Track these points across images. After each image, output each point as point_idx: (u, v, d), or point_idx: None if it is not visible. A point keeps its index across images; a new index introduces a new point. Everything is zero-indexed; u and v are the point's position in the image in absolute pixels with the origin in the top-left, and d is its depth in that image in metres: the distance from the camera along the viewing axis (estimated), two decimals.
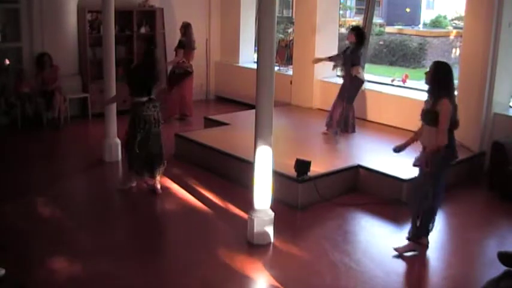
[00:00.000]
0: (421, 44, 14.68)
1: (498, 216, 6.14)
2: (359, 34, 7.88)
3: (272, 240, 5.19)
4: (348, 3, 16.12)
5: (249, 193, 5.25)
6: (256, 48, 5.60)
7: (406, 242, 5.06)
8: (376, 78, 9.82)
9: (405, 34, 15.41)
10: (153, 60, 6.24)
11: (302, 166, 6.03)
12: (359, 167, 6.60)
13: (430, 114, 4.78)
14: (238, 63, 11.20)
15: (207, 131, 8.36)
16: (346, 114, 7.91)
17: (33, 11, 8.99)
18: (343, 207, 6.12)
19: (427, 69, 4.96)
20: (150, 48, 6.48)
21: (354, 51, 7.81)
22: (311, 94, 9.58)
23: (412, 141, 5.16)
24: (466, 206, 6.10)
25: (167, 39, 10.39)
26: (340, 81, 8.30)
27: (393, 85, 9.17)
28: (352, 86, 7.88)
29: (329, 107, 8.16)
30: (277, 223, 5.22)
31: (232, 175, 6.73)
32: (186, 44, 9.39)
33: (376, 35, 14.86)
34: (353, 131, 8.05)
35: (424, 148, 4.92)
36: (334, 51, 9.43)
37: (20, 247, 4.97)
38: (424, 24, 16.61)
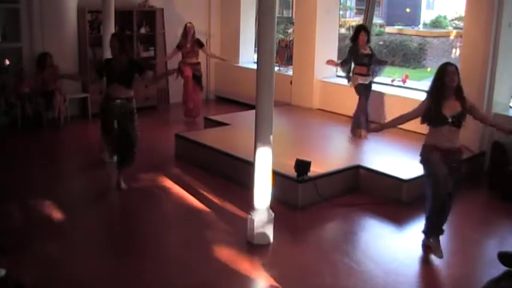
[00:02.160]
0: (421, 44, 14.69)
1: (498, 216, 6.14)
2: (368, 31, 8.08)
3: (272, 240, 5.18)
4: (348, 4, 16.13)
5: (249, 193, 5.25)
6: (256, 48, 5.61)
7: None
8: (376, 79, 9.81)
9: (405, 34, 15.42)
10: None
11: (302, 166, 6.03)
12: (359, 167, 6.60)
13: (464, 116, 4.84)
14: (238, 63, 11.20)
15: (207, 131, 8.36)
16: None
17: (33, 11, 8.99)
18: (343, 207, 6.12)
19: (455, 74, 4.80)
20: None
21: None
22: (311, 94, 9.58)
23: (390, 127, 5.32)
24: (466, 206, 6.10)
25: (167, 39, 10.40)
26: (340, 81, 8.33)
27: (393, 85, 9.17)
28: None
29: (328, 108, 8.15)
30: (277, 223, 5.22)
31: (233, 175, 6.73)
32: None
33: (376, 35, 14.86)
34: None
35: (453, 149, 4.88)
36: (334, 52, 9.46)
37: (20, 247, 4.96)
38: (424, 25, 16.62)
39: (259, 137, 4.98)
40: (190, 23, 9.41)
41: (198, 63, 9.55)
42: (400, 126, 8.09)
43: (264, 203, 5.11)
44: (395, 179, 6.23)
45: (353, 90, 8.18)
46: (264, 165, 5.02)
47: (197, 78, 9.49)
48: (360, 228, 5.83)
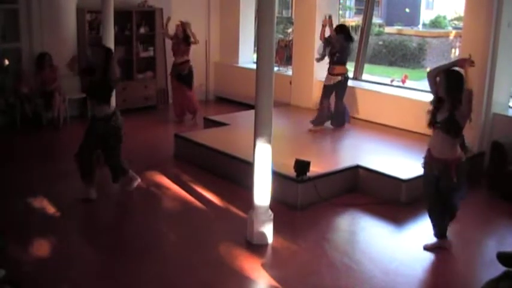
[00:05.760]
0: (420, 44, 14.69)
1: (497, 216, 6.14)
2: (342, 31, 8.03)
3: (271, 240, 5.19)
4: (348, 4, 16.13)
5: (248, 193, 5.25)
6: (256, 48, 5.60)
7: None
8: (375, 79, 9.83)
9: (404, 34, 15.42)
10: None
11: (301, 166, 6.03)
12: (358, 167, 6.60)
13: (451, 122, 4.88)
14: (237, 63, 11.20)
15: (207, 132, 8.36)
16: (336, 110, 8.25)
17: (32, 12, 8.99)
18: (343, 207, 6.12)
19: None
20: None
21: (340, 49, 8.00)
22: (310, 94, 9.58)
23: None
24: (465, 206, 6.07)
25: (167, 39, 10.38)
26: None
27: (392, 85, 9.17)
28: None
29: None
30: (276, 223, 5.22)
31: (232, 175, 6.73)
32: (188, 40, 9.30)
33: (376, 35, 14.86)
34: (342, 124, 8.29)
35: None
36: None
37: (19, 248, 4.96)
38: (424, 25, 16.61)
39: (259, 137, 4.98)
40: (180, 21, 9.29)
41: (183, 63, 9.31)
42: (399, 126, 8.17)
43: (263, 203, 5.11)
44: (394, 179, 6.23)
45: (351, 90, 8.22)
46: (264, 165, 5.02)
47: (182, 79, 9.33)
48: (359, 228, 5.83)
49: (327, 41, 8.16)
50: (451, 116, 4.77)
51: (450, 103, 4.80)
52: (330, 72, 8.18)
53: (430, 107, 4.96)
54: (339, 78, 8.12)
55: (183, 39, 9.27)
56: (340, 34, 8.02)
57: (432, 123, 4.91)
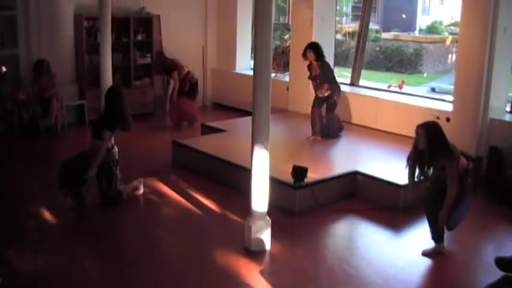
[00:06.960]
0: (417, 49, 14.74)
1: (495, 221, 6.14)
2: (316, 49, 7.92)
3: (269, 246, 5.17)
4: (344, 10, 16.18)
5: (246, 199, 5.25)
6: (253, 54, 5.62)
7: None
8: (372, 84, 9.86)
9: (401, 40, 15.48)
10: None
11: (299, 172, 6.03)
12: (356, 173, 6.60)
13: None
14: (235, 69, 11.22)
15: (204, 138, 8.36)
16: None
17: (30, 18, 9.00)
18: (341, 213, 6.12)
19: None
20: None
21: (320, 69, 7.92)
22: (308, 100, 9.58)
23: None
24: None
25: (164, 46, 10.40)
26: None
27: (390, 91, 9.19)
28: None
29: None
30: (274, 229, 5.21)
31: (230, 182, 6.72)
32: (175, 64, 9.53)
33: (373, 41, 14.91)
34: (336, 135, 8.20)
35: None
36: (331, 58, 9.48)
37: (16, 255, 4.94)
38: (420, 30, 16.68)
39: (256, 143, 4.98)
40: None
41: (183, 79, 9.63)
42: (397, 131, 8.18)
43: (261, 209, 5.10)
44: (392, 184, 6.23)
45: (349, 96, 8.20)
46: (261, 171, 5.02)
47: (184, 93, 9.61)
48: (357, 234, 5.82)
49: (308, 68, 8.10)
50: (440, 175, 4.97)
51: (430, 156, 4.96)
52: (319, 92, 8.06)
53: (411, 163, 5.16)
54: (330, 92, 8.01)
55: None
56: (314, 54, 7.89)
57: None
